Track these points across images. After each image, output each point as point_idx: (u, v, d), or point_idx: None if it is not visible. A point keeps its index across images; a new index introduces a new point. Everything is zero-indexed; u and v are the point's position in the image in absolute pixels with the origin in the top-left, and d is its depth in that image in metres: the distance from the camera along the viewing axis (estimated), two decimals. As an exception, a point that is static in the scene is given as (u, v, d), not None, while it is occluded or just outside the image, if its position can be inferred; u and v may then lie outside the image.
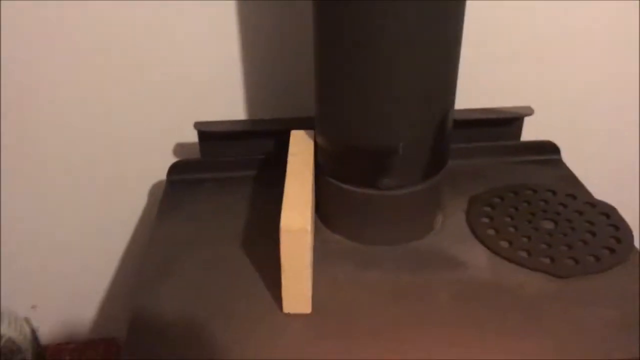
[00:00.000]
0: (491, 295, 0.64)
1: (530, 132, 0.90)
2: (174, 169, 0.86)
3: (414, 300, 0.64)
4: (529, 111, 0.88)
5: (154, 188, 0.99)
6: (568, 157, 0.89)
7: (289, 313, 0.62)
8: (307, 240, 0.58)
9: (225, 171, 0.86)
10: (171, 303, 0.64)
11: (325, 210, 0.73)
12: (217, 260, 0.70)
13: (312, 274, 0.62)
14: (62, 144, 0.94)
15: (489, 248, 0.70)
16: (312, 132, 0.75)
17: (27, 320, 0.97)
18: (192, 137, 0.89)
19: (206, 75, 0.90)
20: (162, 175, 0.93)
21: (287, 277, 0.60)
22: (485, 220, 0.74)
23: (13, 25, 0.83)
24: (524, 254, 0.69)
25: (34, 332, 0.97)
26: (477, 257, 0.69)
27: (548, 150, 0.88)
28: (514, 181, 0.82)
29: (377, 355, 0.58)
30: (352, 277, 0.67)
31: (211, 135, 0.85)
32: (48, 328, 1.08)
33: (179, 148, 0.95)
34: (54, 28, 0.84)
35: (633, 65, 0.96)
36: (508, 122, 0.89)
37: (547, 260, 0.68)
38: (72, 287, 1.08)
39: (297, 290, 0.60)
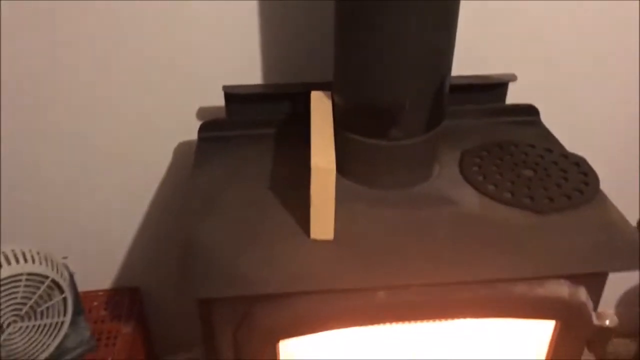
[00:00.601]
0: (481, 227, 0.76)
1: (513, 96, 1.00)
2: (204, 127, 0.93)
3: (417, 231, 0.75)
4: (512, 78, 0.98)
5: (179, 147, 1.07)
6: (546, 118, 0.99)
7: (315, 239, 0.73)
8: (333, 177, 0.69)
9: (250, 129, 0.94)
10: (214, 233, 0.74)
11: (340, 159, 0.79)
12: (249, 199, 0.80)
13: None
14: (95, 109, 1.02)
15: (478, 190, 0.82)
16: (329, 92, 0.84)
17: (65, 265, 1.06)
18: (213, 101, 0.97)
19: (229, 45, 0.97)
20: (186, 136, 1.02)
21: (315, 208, 0.71)
22: (475, 169, 0.86)
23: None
24: (508, 195, 0.80)
25: (71, 275, 1.06)
26: (468, 198, 0.81)
27: (529, 112, 0.99)
28: (500, 138, 0.93)
29: (387, 271, 0.70)
30: (365, 213, 0.78)
31: (237, 97, 0.93)
32: (77, 277, 1.14)
33: (202, 111, 1.03)
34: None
35: (606, 35, 1.04)
36: (495, 87, 0.98)
37: (528, 200, 0.79)
38: (100, 240, 1.16)
39: (323, 220, 0.72)
